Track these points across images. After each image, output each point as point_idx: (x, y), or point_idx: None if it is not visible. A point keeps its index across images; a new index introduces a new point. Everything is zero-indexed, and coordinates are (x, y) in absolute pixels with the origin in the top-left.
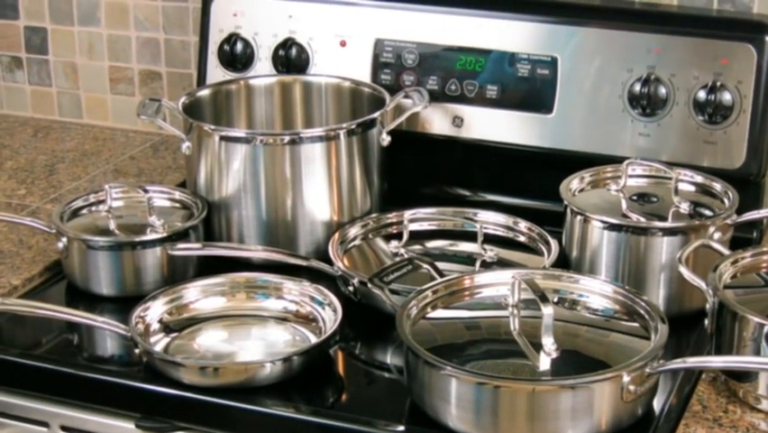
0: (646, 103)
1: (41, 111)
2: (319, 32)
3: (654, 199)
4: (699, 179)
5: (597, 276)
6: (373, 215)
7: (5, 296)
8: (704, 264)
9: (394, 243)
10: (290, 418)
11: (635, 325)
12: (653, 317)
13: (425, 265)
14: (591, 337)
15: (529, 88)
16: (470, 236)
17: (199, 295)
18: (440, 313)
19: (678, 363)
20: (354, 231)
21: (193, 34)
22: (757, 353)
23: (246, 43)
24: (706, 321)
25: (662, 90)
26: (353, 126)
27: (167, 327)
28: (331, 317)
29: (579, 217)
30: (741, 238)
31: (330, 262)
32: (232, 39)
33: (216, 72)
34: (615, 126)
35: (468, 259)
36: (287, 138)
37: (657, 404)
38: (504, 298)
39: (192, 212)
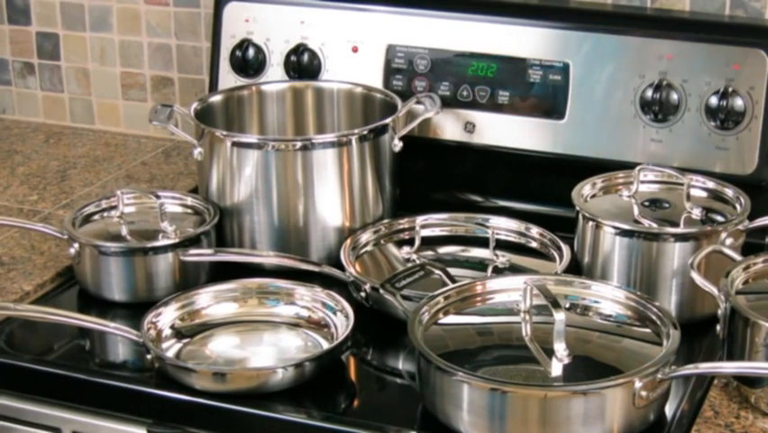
0: (658, 109)
1: (52, 117)
2: (331, 37)
3: (666, 205)
4: (710, 184)
5: (608, 282)
6: (385, 220)
7: (17, 302)
8: (716, 270)
9: (406, 248)
10: (302, 423)
11: (647, 330)
12: (664, 322)
13: (437, 271)
14: (603, 343)
15: (541, 94)
16: (482, 242)
17: (211, 301)
18: (452, 319)
19: (690, 369)
20: (366, 237)
21: (205, 40)
22: None
23: (258, 49)
24: (718, 327)
25: (674, 96)
26: (365, 132)
27: (179, 333)
28: (343, 322)
29: (591, 223)
30: (753, 244)
31: (342, 268)
32: (244, 44)
33: (228, 78)
34: (627, 132)
35: (480, 265)
36: (298, 144)
37: (669, 410)
38: (516, 303)
39: (204, 218)
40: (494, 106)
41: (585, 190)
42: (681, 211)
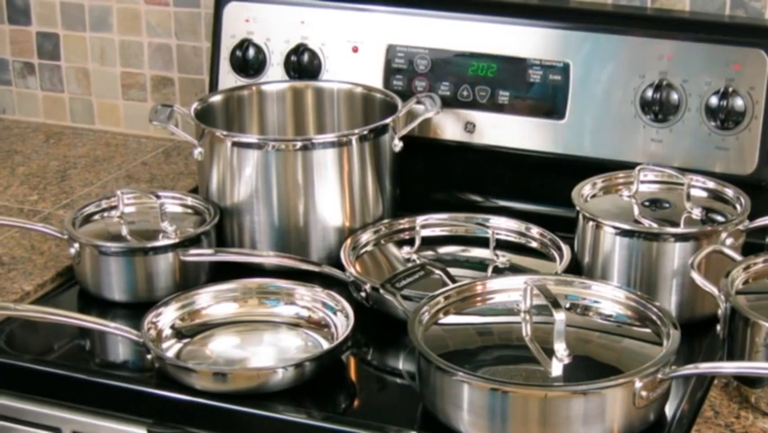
0: (658, 109)
1: (53, 117)
2: (331, 37)
3: (666, 205)
4: (711, 184)
5: (609, 282)
6: (385, 220)
7: (17, 302)
8: (716, 270)
9: (406, 248)
10: (302, 423)
11: (647, 330)
12: (665, 322)
13: (437, 271)
14: (603, 343)
15: (541, 94)
16: (483, 242)
17: (211, 301)
18: (452, 319)
19: (690, 369)
20: (366, 237)
21: (205, 40)
22: None
23: (258, 49)
24: (718, 327)
25: (675, 96)
26: (365, 132)
27: (179, 333)
28: (343, 322)
29: (591, 223)
30: (753, 244)
31: (342, 268)
32: (244, 44)
33: (228, 78)
34: (627, 132)
35: (480, 265)
36: (299, 144)
37: (669, 410)
38: (516, 303)
39: (204, 218)
40: (494, 106)
41: (585, 190)
42: (682, 211)
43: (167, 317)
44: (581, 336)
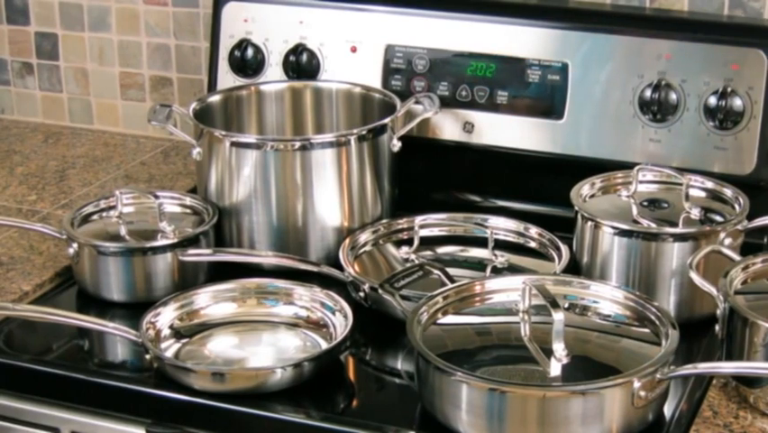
0: (657, 108)
1: (51, 117)
2: (330, 37)
3: (665, 205)
4: (709, 184)
5: (607, 282)
6: (384, 220)
7: (16, 302)
8: (715, 270)
9: (405, 248)
10: (301, 423)
11: (646, 330)
12: (663, 322)
13: (436, 271)
14: (602, 343)
15: (540, 94)
16: (481, 242)
17: (210, 301)
18: (450, 319)
19: (689, 369)
20: (365, 237)
21: (204, 40)
22: None
23: (257, 49)
24: (716, 327)
25: (673, 96)
26: (364, 132)
27: (177, 333)
28: (341, 322)
29: (589, 223)
30: (752, 244)
31: (341, 268)
32: (242, 44)
33: (227, 78)
34: (625, 132)
35: (478, 265)
36: (297, 144)
37: (668, 410)
38: (515, 303)
39: (203, 218)
40: (493, 106)
41: (584, 190)
42: (680, 211)
43: (165, 317)
44: (580, 336)
